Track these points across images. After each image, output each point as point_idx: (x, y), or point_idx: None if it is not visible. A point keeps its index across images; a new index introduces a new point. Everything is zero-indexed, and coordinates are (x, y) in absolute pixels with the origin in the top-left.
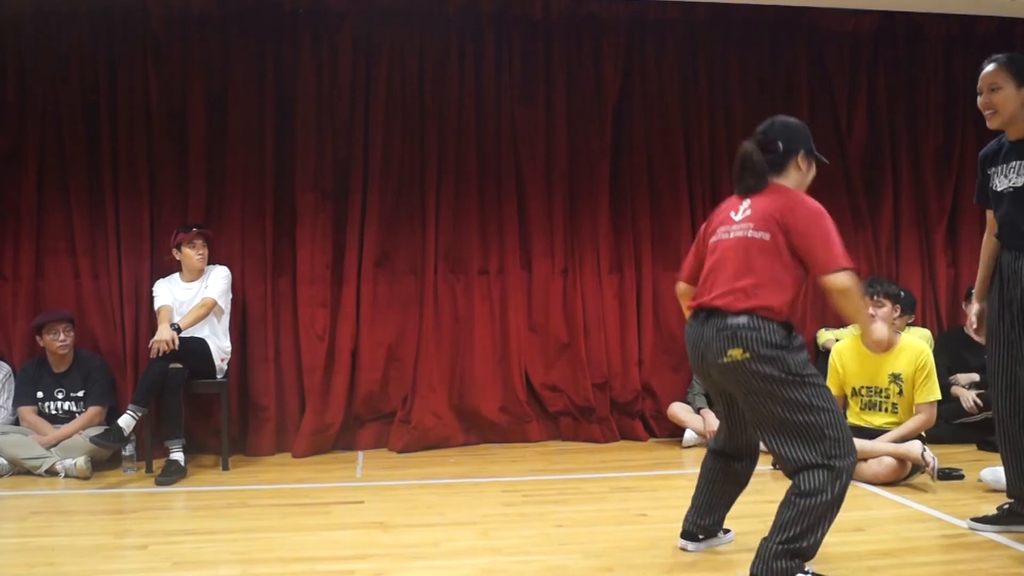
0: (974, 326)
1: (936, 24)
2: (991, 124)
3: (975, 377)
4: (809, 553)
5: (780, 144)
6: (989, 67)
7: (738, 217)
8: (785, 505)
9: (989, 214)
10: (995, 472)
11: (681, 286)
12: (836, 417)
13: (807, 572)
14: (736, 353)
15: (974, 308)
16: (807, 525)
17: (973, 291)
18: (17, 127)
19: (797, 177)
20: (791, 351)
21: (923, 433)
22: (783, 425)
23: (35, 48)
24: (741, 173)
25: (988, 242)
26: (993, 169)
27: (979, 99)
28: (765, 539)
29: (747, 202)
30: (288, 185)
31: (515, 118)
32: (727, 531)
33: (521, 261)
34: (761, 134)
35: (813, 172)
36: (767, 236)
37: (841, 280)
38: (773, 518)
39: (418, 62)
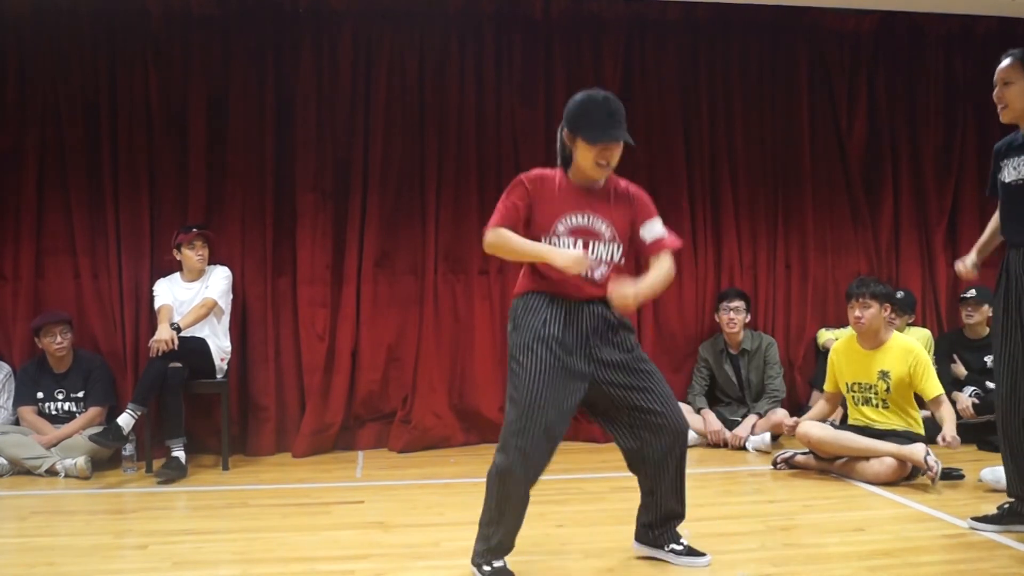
0: (963, 265)
1: (936, 24)
2: (1003, 118)
3: (978, 390)
4: (485, 536)
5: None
6: (1005, 61)
7: None
8: None
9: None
10: (995, 472)
11: None
12: (520, 410)
13: (488, 566)
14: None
15: (967, 257)
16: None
17: (965, 297)
18: (17, 127)
19: (574, 152)
20: (514, 330)
21: (923, 433)
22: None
23: (35, 48)
24: None
25: (996, 219)
26: (1005, 161)
27: (994, 93)
28: None
29: None
30: (288, 185)
31: (515, 118)
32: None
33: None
34: None
35: (580, 148)
36: None
37: (485, 240)
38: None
39: (418, 62)
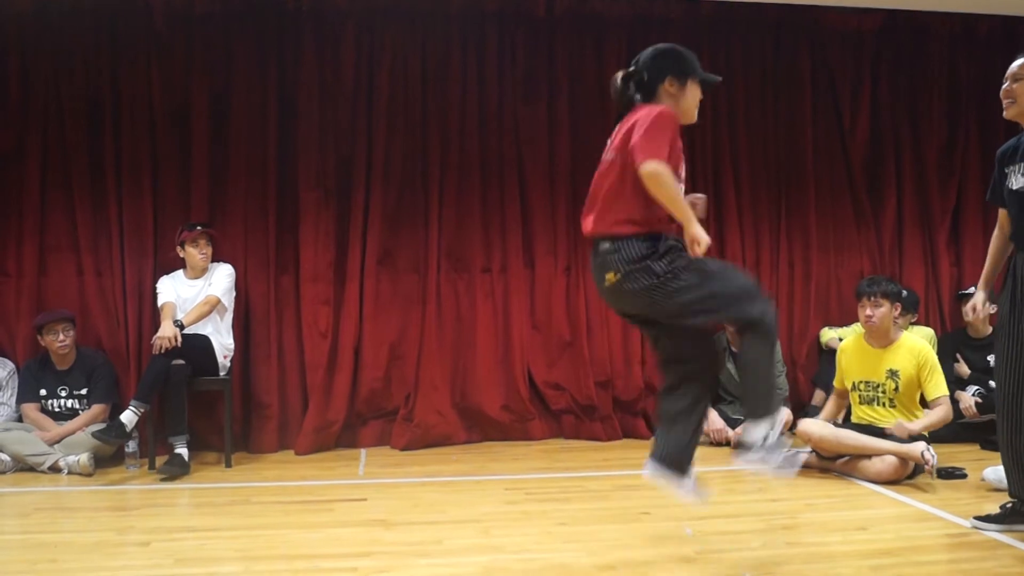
0: (974, 312)
1: (940, 23)
2: (1007, 114)
3: (981, 389)
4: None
5: (645, 75)
6: (1021, 60)
7: (609, 142)
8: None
9: (1002, 213)
10: (998, 471)
11: None
12: (727, 280)
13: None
14: (611, 277)
15: (978, 296)
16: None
17: (963, 293)
18: (20, 125)
19: (671, 103)
20: (654, 258)
21: (925, 433)
22: (691, 307)
23: (38, 46)
24: (615, 103)
25: (998, 239)
26: (1011, 167)
27: (1002, 88)
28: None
29: (616, 127)
30: (291, 183)
31: (518, 116)
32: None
33: (524, 259)
34: (631, 66)
35: (693, 93)
36: (615, 156)
37: (650, 167)
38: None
39: (420, 60)
